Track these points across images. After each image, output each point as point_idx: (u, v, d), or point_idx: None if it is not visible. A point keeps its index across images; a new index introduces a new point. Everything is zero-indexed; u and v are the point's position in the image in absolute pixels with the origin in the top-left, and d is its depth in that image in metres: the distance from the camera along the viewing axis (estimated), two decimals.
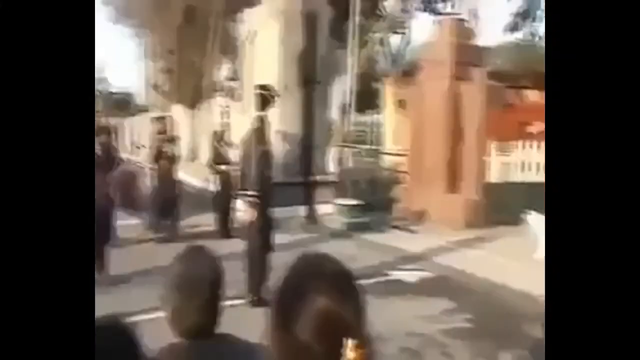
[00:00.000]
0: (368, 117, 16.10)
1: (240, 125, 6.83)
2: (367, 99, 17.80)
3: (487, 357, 4.04)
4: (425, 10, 18.18)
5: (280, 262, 0.97)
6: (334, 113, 15.62)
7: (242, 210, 5.32)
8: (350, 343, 0.85)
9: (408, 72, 13.76)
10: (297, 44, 10.46)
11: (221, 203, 7.68)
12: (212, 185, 8.08)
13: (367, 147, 13.04)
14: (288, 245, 6.09)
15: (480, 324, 4.66)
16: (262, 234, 5.01)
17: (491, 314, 4.92)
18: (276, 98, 5.49)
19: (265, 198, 5.02)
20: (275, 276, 0.96)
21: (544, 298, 3.36)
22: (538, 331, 3.42)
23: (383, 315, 4.70)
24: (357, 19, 11.14)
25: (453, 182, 8.72)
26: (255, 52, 12.38)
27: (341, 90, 14.03)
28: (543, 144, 9.80)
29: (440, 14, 15.80)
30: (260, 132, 5.13)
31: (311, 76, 9.20)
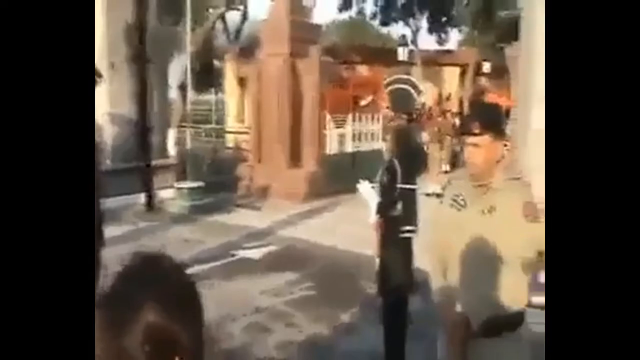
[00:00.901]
0: (211, 96, 15.71)
1: None
2: (208, 77, 17.30)
3: (328, 320, 4.28)
4: None
5: (112, 257, 0.89)
6: (174, 93, 14.92)
7: None
8: None
9: (247, 49, 13.64)
10: (123, 18, 9.65)
11: None
12: None
13: (210, 126, 12.73)
14: (123, 238, 5.72)
15: (322, 289, 4.91)
16: None
17: (332, 278, 5.21)
18: (100, 78, 5.04)
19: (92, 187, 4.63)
20: (108, 273, 0.88)
21: (377, 257, 3.56)
22: (372, 287, 3.72)
23: (230, 296, 4.70)
24: None
25: (295, 156, 8.96)
26: None
27: (180, 68, 13.39)
28: (376, 115, 10.59)
29: None
30: None
31: (142, 54, 8.56)
